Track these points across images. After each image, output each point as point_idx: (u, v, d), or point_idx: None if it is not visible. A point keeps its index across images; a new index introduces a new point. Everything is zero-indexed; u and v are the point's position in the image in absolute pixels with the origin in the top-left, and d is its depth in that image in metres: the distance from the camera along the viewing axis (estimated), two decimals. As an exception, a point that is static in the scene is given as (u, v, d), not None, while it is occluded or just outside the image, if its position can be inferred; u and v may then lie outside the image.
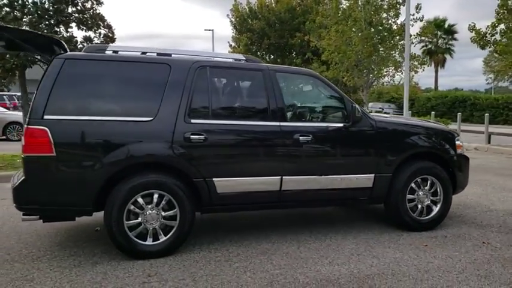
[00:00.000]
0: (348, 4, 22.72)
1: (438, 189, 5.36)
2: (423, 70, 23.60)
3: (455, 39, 55.76)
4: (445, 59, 56.25)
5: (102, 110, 4.21)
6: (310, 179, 4.79)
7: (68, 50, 4.42)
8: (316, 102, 5.30)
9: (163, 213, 4.32)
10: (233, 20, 33.76)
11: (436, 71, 56.13)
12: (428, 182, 5.33)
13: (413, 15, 22.43)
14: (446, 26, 54.21)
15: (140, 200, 4.23)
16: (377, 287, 3.69)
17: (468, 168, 5.69)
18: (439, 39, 55.46)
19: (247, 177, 4.57)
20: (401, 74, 23.42)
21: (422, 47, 53.52)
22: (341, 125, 4.96)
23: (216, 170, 4.46)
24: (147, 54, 4.60)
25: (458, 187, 5.55)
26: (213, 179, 4.43)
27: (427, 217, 5.33)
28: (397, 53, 23.06)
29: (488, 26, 14.31)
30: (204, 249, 4.56)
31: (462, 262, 4.29)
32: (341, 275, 3.93)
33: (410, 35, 18.98)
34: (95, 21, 10.70)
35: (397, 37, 22.72)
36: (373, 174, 5.04)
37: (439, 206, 5.37)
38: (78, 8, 10.71)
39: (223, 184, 4.47)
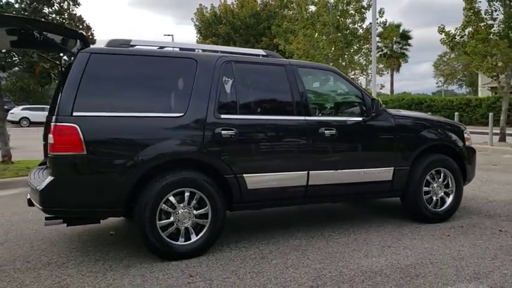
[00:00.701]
0: (315, 8, 23.05)
1: (450, 181, 5.49)
2: (388, 73, 24.30)
3: (409, 44, 57.80)
4: (400, 63, 58.13)
5: (131, 105, 4.05)
6: (335, 173, 4.79)
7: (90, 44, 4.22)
8: (336, 97, 5.32)
9: (194, 212, 4.18)
10: (198, 24, 33.62)
11: (392, 75, 57.87)
12: (442, 174, 5.45)
13: (376, 19, 23.02)
14: (401, 31, 56.12)
15: (172, 198, 4.08)
16: (422, 276, 3.71)
17: (475, 160, 5.86)
18: (394, 44, 57.29)
19: (276, 173, 4.51)
20: (367, 77, 24.06)
21: (379, 51, 55.10)
22: (361, 118, 4.99)
23: (247, 165, 4.37)
24: (171, 49, 4.47)
25: (467, 178, 5.70)
26: (244, 175, 4.34)
27: (441, 208, 5.44)
28: (362, 56, 23.62)
29: (457, 28, 14.90)
30: (234, 247, 4.45)
31: (490, 249, 4.39)
32: (383, 266, 3.93)
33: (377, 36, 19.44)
34: (73, 22, 10.32)
35: (361, 41, 23.26)
36: (392, 167, 5.10)
37: (451, 197, 5.50)
38: (55, 8, 10.32)
39: (254, 180, 4.39)
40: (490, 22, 14.37)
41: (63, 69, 5.13)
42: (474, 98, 30.30)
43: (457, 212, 5.80)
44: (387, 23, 25.59)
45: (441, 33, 15.23)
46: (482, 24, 14.29)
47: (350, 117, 5.00)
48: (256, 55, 4.90)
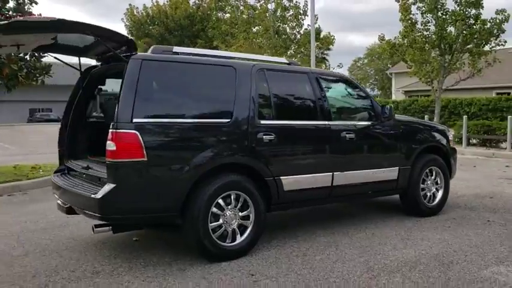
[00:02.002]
0: (255, 12, 23.57)
1: (439, 178, 6.11)
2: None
3: (329, 49, 60.47)
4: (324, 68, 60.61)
5: (183, 112, 4.12)
6: (353, 174, 5.16)
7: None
8: (351, 103, 5.69)
9: (240, 214, 4.34)
10: (128, 24, 32.74)
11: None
12: (434, 172, 6.05)
13: (309, 25, 24.04)
14: (321, 36, 58.53)
15: (220, 201, 4.21)
16: (456, 263, 4.18)
17: (456, 159, 6.55)
18: (316, 49, 59.62)
19: (307, 175, 4.78)
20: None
21: (307, 56, 57.02)
22: (373, 123, 5.42)
23: (283, 168, 4.60)
24: (209, 57, 4.60)
25: (452, 175, 6.37)
26: (281, 177, 4.57)
27: (434, 203, 6.04)
28: (298, 60, 24.53)
29: (396, 37, 16.11)
30: (270, 247, 4.64)
31: (492, 237, 5.00)
32: (416, 256, 4.35)
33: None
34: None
35: (299, 46, 24.19)
36: (397, 167, 5.59)
37: (441, 192, 6.12)
38: (12, 5, 9.76)
39: (289, 182, 4.63)
40: (425, 33, 15.72)
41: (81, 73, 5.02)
42: (391, 100, 32.35)
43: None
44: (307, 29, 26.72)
45: (381, 42, 16.36)
46: (418, 34, 15.60)
47: (364, 121, 5.41)
48: (281, 63, 5.14)
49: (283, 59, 5.24)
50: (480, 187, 8.18)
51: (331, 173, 4.95)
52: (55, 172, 5.02)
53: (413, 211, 5.90)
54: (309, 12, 21.10)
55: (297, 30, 23.47)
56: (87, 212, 3.94)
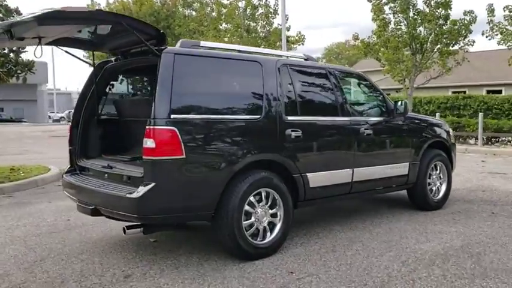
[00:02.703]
0: (226, 10, 23.41)
1: (443, 172, 6.25)
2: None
3: (291, 48, 60.97)
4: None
5: (216, 108, 4.01)
6: (371, 170, 5.20)
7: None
8: (366, 99, 5.71)
9: (270, 211, 4.27)
10: (90, 21, 31.71)
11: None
12: (438, 167, 6.19)
13: (280, 24, 24.15)
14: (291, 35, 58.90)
15: (252, 198, 4.12)
16: (484, 254, 4.27)
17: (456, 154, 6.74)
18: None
19: (331, 171, 4.77)
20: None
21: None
22: (386, 118, 5.48)
23: (309, 164, 4.56)
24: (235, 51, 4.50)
25: (452, 169, 6.54)
26: (307, 173, 4.53)
27: (438, 197, 6.18)
28: None
29: (369, 36, 16.43)
30: (295, 244, 4.59)
31: (504, 228, 5.16)
32: (443, 249, 4.42)
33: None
34: (11, 14, 9.32)
35: (266, 44, 24.20)
36: (408, 162, 5.67)
37: (444, 186, 6.27)
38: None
39: (315, 178, 4.60)
40: (398, 32, 16.13)
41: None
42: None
43: (441, 200, 6.60)
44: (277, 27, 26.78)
45: (355, 41, 16.64)
46: (391, 34, 15.98)
47: (378, 117, 5.45)
48: (299, 58, 5.10)
49: (300, 54, 5.19)
50: (469, 181, 8.46)
51: (351, 169, 4.95)
52: (67, 172, 4.76)
53: (421, 205, 6.01)
54: (279, 11, 21.16)
55: (268, 28, 23.46)
56: (120, 212, 3.76)
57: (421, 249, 4.43)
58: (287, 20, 23.97)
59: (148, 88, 5.37)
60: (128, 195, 3.63)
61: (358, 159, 5.04)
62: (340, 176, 4.86)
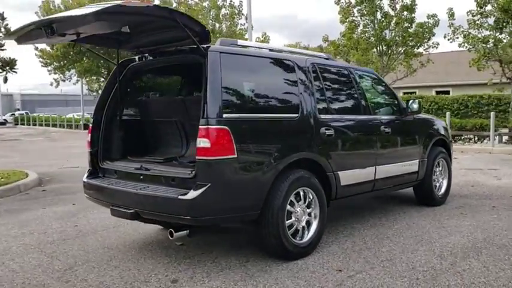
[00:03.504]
0: (190, 10, 23.16)
1: (444, 169, 6.50)
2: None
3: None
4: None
5: (259, 107, 3.98)
6: (389, 167, 5.31)
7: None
8: (382, 98, 5.80)
9: (307, 210, 4.27)
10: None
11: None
12: (441, 163, 6.42)
13: (243, 24, 24.25)
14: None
15: (292, 198, 4.11)
16: (508, 245, 4.47)
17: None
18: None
19: (359, 169, 4.84)
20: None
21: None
22: (399, 117, 5.62)
23: (340, 163, 4.60)
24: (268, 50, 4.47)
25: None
26: (339, 172, 4.57)
27: (441, 192, 6.40)
28: None
29: (338, 38, 16.78)
30: (327, 243, 4.61)
31: (509, 220, 5.43)
32: (470, 242, 4.59)
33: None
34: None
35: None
36: (417, 160, 5.85)
37: (445, 182, 6.51)
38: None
39: (345, 176, 4.64)
40: (366, 35, 16.58)
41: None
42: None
43: (439, 196, 6.85)
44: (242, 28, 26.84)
45: (325, 42, 16.95)
46: (361, 36, 16.40)
47: (393, 115, 5.57)
48: (321, 57, 5.13)
49: (322, 54, 5.23)
50: (454, 177, 8.77)
51: (374, 167, 5.05)
52: (89, 175, 4.55)
53: (427, 201, 6.20)
54: (244, 11, 21.20)
55: (233, 29, 23.44)
56: (170, 215, 3.63)
57: (448, 242, 4.57)
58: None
59: (178, 88, 5.21)
60: (180, 197, 3.51)
61: (379, 157, 5.14)
62: (366, 173, 4.94)
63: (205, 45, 3.79)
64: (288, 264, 4.00)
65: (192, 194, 3.48)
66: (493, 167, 10.41)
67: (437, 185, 6.34)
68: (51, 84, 33.50)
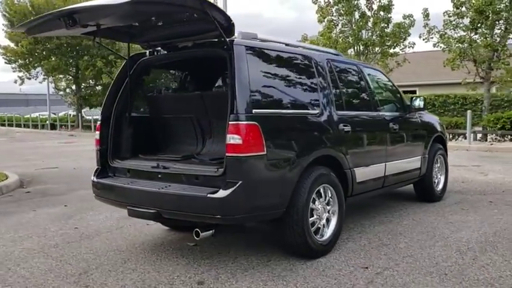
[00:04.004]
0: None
1: (442, 165, 6.59)
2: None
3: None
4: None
5: (284, 102, 3.90)
6: (397, 163, 5.33)
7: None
8: (388, 94, 5.80)
9: (327, 207, 4.22)
10: (8, 15, 29.15)
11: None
12: (439, 160, 6.51)
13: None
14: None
15: (314, 195, 4.05)
16: (520, 239, 4.58)
17: (447, 148, 7.13)
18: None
19: (372, 165, 4.83)
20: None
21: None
22: (404, 114, 5.66)
23: (356, 159, 4.57)
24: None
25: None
26: (354, 168, 4.54)
27: (439, 188, 6.49)
28: None
29: (317, 38, 16.86)
30: (343, 240, 4.57)
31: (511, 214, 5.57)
32: (481, 236, 4.64)
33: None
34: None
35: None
36: (420, 156, 5.90)
37: (443, 178, 6.61)
38: None
39: (360, 173, 4.62)
40: (345, 34, 16.73)
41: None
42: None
43: (435, 192, 6.94)
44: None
45: (304, 41, 16.98)
46: (340, 35, 16.54)
47: (399, 112, 5.60)
48: (331, 53, 5.09)
49: (331, 50, 5.19)
50: (442, 174, 8.98)
51: (384, 164, 5.05)
52: (99, 175, 4.34)
53: (427, 197, 6.27)
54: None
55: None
56: (198, 214, 3.50)
57: (461, 237, 4.62)
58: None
59: (192, 83, 5.04)
60: (209, 196, 3.39)
61: (389, 153, 5.15)
62: (378, 170, 4.94)
63: (230, 39, 3.67)
64: (311, 263, 3.94)
65: (223, 193, 3.36)
66: (475, 163, 10.68)
67: (436, 181, 6.43)
68: (15, 82, 32.22)
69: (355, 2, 16.86)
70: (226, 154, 3.42)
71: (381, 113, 5.12)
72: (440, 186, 6.52)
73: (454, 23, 15.39)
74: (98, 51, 28.95)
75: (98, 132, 4.39)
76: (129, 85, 4.36)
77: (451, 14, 15.45)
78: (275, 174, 3.64)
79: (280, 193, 3.69)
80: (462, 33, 15.46)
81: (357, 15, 16.96)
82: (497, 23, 14.89)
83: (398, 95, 5.78)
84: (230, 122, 3.40)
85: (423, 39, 16.66)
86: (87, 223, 5.54)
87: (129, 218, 5.65)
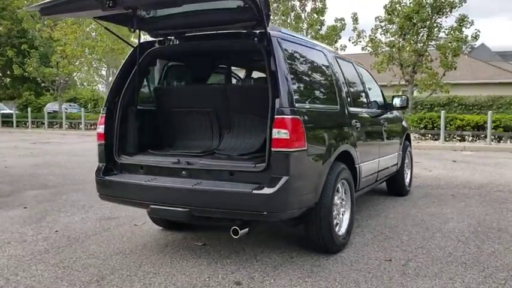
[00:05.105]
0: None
1: (409, 160, 6.98)
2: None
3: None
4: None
5: (314, 97, 3.89)
6: (385, 159, 5.55)
7: None
8: (375, 92, 5.94)
9: (343, 202, 4.27)
10: None
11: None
12: (407, 156, 6.88)
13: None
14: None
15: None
16: (504, 227, 4.95)
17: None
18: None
19: (371, 160, 4.97)
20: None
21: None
22: (387, 111, 5.89)
23: (363, 155, 4.67)
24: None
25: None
26: (361, 164, 4.64)
27: (407, 182, 6.86)
28: None
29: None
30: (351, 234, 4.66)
31: (482, 207, 6.01)
32: (469, 227, 4.96)
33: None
34: None
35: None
36: (397, 152, 6.19)
37: (409, 172, 7.00)
38: None
39: (365, 168, 4.73)
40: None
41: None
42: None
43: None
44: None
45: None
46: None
47: (381, 109, 5.79)
48: (332, 51, 5.14)
49: (329, 47, 5.23)
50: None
51: (378, 159, 5.22)
52: (105, 172, 3.98)
53: (398, 192, 6.58)
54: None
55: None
56: (241, 211, 3.34)
57: (453, 228, 4.91)
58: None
59: (211, 75, 4.77)
60: (256, 192, 3.26)
61: (381, 149, 5.34)
62: (375, 165, 5.10)
63: (265, 31, 3.55)
64: (335, 258, 3.95)
65: (270, 189, 3.25)
66: (414, 160, 11.41)
67: (405, 176, 6.78)
68: None
69: (291, 3, 17.22)
70: (272, 149, 3.30)
71: (375, 110, 5.29)
72: (408, 180, 6.89)
73: (384, 28, 16.34)
74: (7, 39, 26.54)
75: (101, 126, 4.02)
76: (138, 75, 4.05)
77: (382, 20, 16.39)
78: (312, 169, 3.61)
79: (314, 188, 3.66)
80: (392, 38, 16.47)
81: (292, 16, 17.33)
82: (421, 30, 16.08)
83: (381, 93, 6.00)
84: (276, 116, 3.29)
85: (352, 42, 17.49)
86: (64, 225, 5.06)
87: (110, 219, 5.31)
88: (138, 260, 3.92)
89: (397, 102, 5.92)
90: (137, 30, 3.99)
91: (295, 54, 3.83)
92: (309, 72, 3.97)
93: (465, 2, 16.05)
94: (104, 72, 23.87)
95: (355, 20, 17.68)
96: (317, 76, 4.09)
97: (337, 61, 4.64)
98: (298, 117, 3.36)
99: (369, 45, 16.70)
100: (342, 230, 4.21)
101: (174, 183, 3.60)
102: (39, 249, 4.21)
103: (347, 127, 4.29)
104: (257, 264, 3.81)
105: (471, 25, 16.25)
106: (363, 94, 5.18)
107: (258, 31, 3.59)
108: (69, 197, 6.66)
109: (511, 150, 14.05)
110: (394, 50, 16.14)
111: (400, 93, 13.45)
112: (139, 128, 4.16)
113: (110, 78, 23.46)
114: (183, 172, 3.71)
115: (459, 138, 15.65)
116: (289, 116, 3.30)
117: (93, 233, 4.74)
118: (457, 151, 14.01)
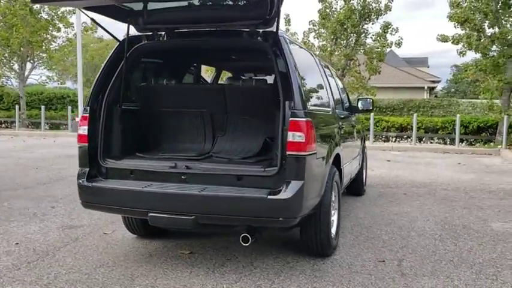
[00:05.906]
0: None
1: (365, 161, 7.22)
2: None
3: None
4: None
5: (316, 100, 3.87)
6: (355, 160, 5.67)
7: None
8: (344, 95, 6.01)
9: (334, 204, 4.27)
10: None
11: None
12: (364, 157, 7.11)
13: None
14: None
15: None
16: (467, 226, 5.27)
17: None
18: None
19: (349, 162, 5.05)
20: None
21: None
22: (353, 113, 6.03)
23: (345, 156, 4.71)
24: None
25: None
26: (344, 165, 4.67)
27: (364, 182, 7.10)
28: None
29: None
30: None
31: (437, 204, 6.37)
32: (437, 224, 5.22)
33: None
34: None
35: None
36: (360, 154, 6.37)
37: (365, 173, 7.24)
38: None
39: (345, 170, 4.78)
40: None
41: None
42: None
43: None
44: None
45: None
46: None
47: (348, 111, 5.90)
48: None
49: (307, 50, 5.23)
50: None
51: (351, 160, 5.32)
52: (89, 178, 3.61)
53: (357, 191, 6.73)
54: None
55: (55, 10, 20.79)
56: (254, 218, 3.19)
57: (423, 227, 5.09)
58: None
59: (199, 74, 4.46)
60: (271, 197, 3.13)
61: (354, 150, 5.46)
62: (351, 166, 5.19)
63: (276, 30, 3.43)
64: (330, 261, 3.94)
65: (287, 193, 3.15)
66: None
67: (363, 176, 7.00)
68: None
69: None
70: (288, 152, 3.20)
71: (347, 113, 5.38)
72: (364, 180, 7.11)
73: (317, 32, 16.80)
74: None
75: (84, 127, 3.64)
76: (124, 71, 3.73)
77: (315, 23, 16.83)
78: (319, 172, 3.57)
79: (319, 191, 3.62)
80: (324, 42, 16.98)
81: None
82: (351, 35, 16.77)
83: (347, 95, 6.13)
84: (291, 119, 3.19)
85: (285, 44, 17.74)
86: (22, 237, 4.55)
87: (73, 227, 4.91)
88: (127, 273, 3.61)
89: (362, 104, 6.07)
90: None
91: (297, 56, 3.76)
92: (309, 74, 3.92)
93: (390, 10, 17.01)
94: (16, 67, 21.81)
95: (288, 21, 17.99)
96: (314, 78, 4.06)
97: (322, 65, 4.65)
98: (310, 119, 3.29)
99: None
100: (333, 232, 4.21)
101: (176, 189, 3.36)
102: (6, 265, 3.73)
103: (338, 129, 4.31)
104: (257, 271, 3.69)
105: (396, 32, 17.28)
106: (340, 97, 5.25)
107: (261, 30, 3.46)
108: (13, 204, 6.01)
109: (433, 150, 15.15)
110: (325, 53, 16.65)
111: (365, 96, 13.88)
112: (125, 130, 3.84)
113: (26, 73, 21.63)
114: (183, 177, 3.48)
115: (384, 139, 16.54)
116: (304, 119, 3.22)
117: (62, 245, 4.31)
118: (386, 151, 14.77)
